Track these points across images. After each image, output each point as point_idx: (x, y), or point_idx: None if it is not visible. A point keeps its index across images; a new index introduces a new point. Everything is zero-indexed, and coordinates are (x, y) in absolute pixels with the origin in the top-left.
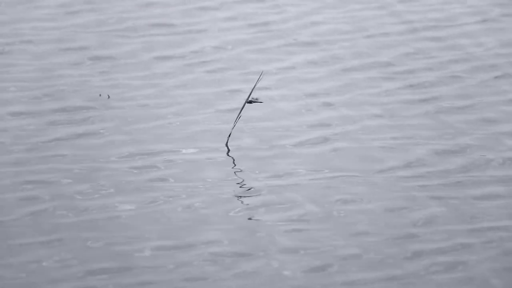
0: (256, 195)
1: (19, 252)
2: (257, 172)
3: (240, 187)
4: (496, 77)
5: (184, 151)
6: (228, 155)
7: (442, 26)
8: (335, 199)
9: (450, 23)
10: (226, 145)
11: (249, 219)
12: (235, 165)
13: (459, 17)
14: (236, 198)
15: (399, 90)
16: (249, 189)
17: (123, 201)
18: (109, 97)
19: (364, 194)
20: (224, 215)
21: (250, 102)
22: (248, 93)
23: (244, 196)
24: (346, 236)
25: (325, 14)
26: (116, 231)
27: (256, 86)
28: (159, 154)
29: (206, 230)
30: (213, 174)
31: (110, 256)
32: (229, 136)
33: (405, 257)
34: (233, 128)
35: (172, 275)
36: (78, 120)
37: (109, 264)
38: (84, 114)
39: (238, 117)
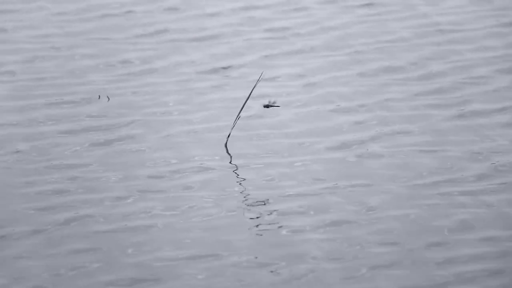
0: (283, 203)
1: (55, 258)
2: (282, 180)
3: (266, 197)
4: None
5: (212, 159)
6: (227, 153)
7: (468, 29)
8: (366, 206)
9: (476, 25)
10: (225, 145)
11: (279, 227)
12: (258, 174)
13: (484, 20)
14: (262, 206)
15: (427, 95)
16: (278, 197)
17: (150, 209)
18: (109, 99)
19: (394, 200)
20: (251, 225)
21: (268, 106)
22: (248, 94)
23: (269, 204)
24: (378, 243)
25: (346, 19)
26: (145, 240)
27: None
28: (190, 162)
29: (235, 239)
30: (242, 183)
31: (136, 265)
32: (228, 136)
33: (437, 263)
34: (232, 128)
35: (202, 285)
36: (111, 127)
37: (136, 272)
38: (117, 122)
39: (237, 117)
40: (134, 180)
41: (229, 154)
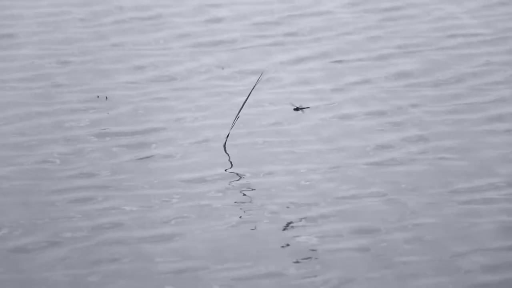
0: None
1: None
2: (323, 195)
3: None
4: None
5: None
6: (226, 152)
7: (494, 32)
8: (400, 212)
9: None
10: (224, 146)
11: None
12: (293, 190)
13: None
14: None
15: (457, 99)
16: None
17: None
18: (107, 98)
19: (428, 207)
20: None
21: (297, 109)
22: (247, 95)
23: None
24: (412, 251)
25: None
26: (182, 251)
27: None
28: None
29: (273, 256)
30: (275, 199)
31: (175, 274)
32: (227, 137)
33: (480, 271)
34: (231, 129)
35: None
36: (146, 139)
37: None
38: (143, 128)
39: (236, 118)
40: (169, 188)
41: (227, 154)
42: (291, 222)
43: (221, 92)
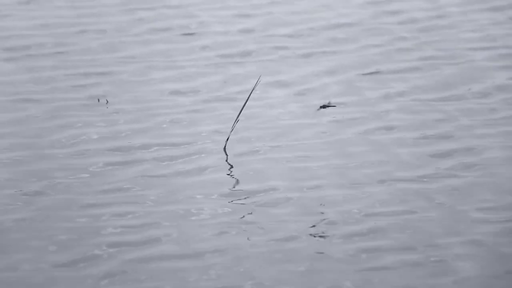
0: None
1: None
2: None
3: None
4: None
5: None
6: (226, 161)
7: None
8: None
9: None
10: (224, 149)
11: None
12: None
13: None
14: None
15: (504, 120)
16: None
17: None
18: (107, 102)
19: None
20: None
21: (325, 106)
22: (246, 98)
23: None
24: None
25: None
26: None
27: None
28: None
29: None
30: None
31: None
32: (227, 140)
33: None
34: (231, 132)
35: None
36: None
37: None
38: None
39: (236, 121)
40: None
41: (226, 154)
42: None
43: (251, 105)
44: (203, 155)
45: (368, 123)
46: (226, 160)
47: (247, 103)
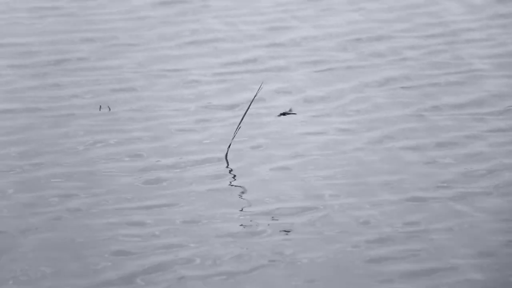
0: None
1: None
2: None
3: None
4: None
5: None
6: (227, 161)
7: None
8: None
9: None
10: (226, 157)
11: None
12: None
13: None
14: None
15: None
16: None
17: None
18: (109, 109)
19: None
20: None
21: (284, 114)
22: (247, 106)
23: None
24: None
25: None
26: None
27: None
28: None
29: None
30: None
31: None
32: (229, 147)
33: None
34: (232, 139)
35: None
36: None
37: None
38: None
39: (238, 128)
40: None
41: (227, 162)
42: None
43: (286, 120)
44: (207, 164)
45: (381, 132)
46: (227, 167)
47: (246, 112)
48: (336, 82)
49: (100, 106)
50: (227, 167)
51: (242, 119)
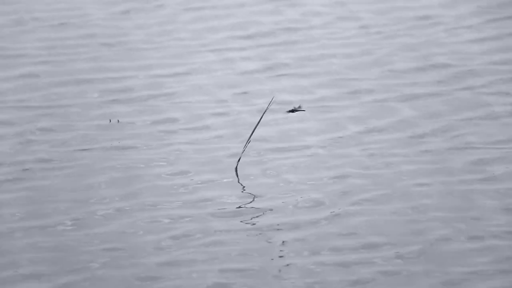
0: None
1: None
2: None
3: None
4: None
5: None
6: (236, 174)
7: None
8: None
9: None
10: (236, 170)
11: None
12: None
13: None
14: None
15: None
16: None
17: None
18: (118, 121)
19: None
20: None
21: (293, 111)
22: (259, 119)
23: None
24: None
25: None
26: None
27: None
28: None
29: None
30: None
31: None
32: (239, 160)
33: None
34: (242, 152)
35: None
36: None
37: None
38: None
39: (248, 141)
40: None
41: (237, 176)
42: None
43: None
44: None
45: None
46: (238, 182)
47: (256, 126)
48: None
49: (110, 120)
50: (238, 182)
51: (253, 132)
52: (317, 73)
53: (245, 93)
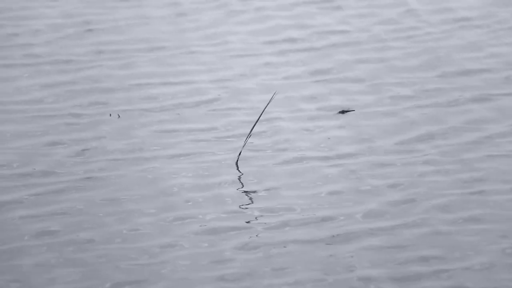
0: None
1: None
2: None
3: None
4: None
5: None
6: (238, 169)
7: None
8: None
9: None
10: (236, 164)
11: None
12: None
13: None
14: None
15: None
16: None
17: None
18: (119, 116)
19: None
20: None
21: (343, 112)
22: (259, 115)
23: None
24: None
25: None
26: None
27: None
28: None
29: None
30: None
31: None
32: (239, 155)
33: None
34: (243, 147)
35: None
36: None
37: None
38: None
39: (248, 136)
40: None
41: (239, 172)
42: None
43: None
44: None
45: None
46: (239, 178)
47: (257, 121)
48: None
49: (110, 114)
50: (239, 178)
51: (253, 126)
52: (359, 79)
53: (287, 97)
